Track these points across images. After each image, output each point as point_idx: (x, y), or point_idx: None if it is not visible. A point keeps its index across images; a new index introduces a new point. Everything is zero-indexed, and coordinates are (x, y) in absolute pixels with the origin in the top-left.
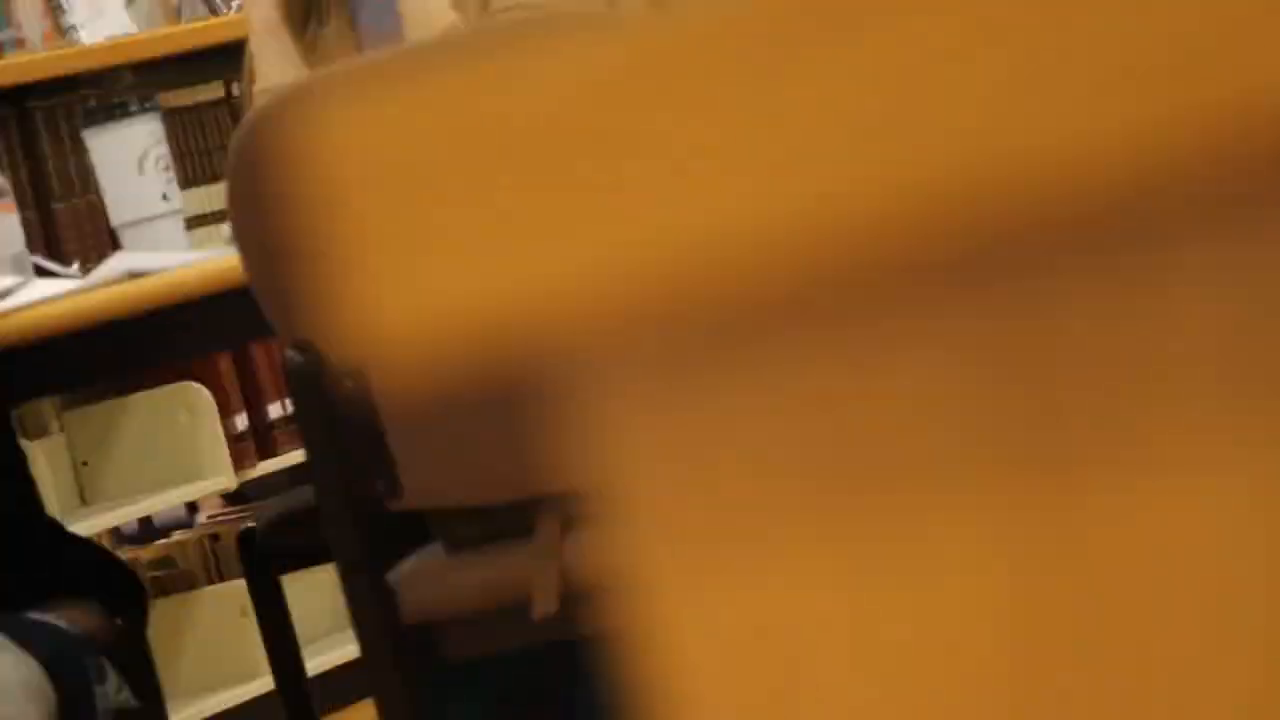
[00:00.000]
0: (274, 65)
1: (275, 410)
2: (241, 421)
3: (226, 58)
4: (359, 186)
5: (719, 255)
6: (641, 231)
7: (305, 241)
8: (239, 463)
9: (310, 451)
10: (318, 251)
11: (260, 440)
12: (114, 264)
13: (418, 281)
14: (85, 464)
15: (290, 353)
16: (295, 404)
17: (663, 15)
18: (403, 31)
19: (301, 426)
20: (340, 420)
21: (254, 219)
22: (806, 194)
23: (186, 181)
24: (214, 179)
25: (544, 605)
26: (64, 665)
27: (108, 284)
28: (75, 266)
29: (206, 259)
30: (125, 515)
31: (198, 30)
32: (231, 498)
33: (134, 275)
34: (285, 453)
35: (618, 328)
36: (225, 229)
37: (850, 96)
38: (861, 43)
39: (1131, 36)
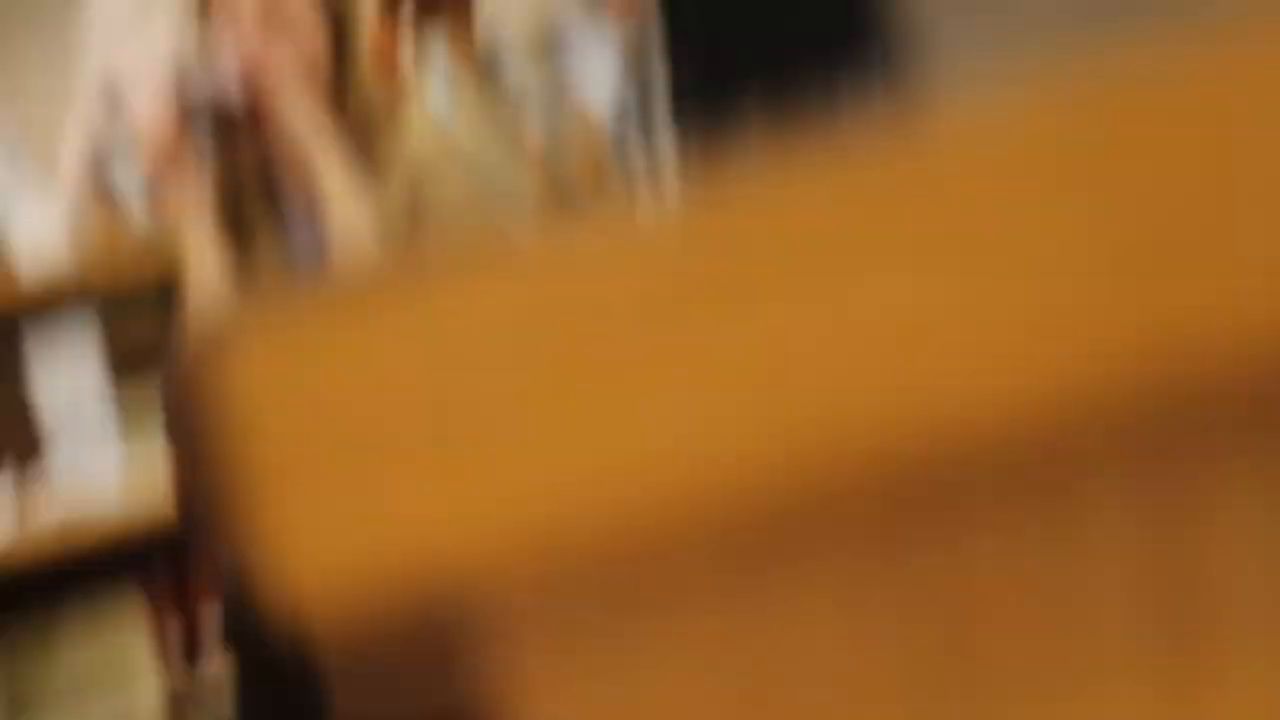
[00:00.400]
0: (209, 294)
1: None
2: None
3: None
4: (283, 422)
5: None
6: (529, 482)
7: (229, 478)
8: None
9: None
10: (241, 489)
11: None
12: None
13: (339, 520)
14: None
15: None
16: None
17: (588, 255)
18: (327, 254)
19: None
20: (275, 665)
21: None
22: (716, 447)
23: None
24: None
25: None
26: None
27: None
28: None
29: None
30: None
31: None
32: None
33: None
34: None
35: (533, 575)
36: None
37: (764, 345)
38: (774, 297)
39: (1045, 280)
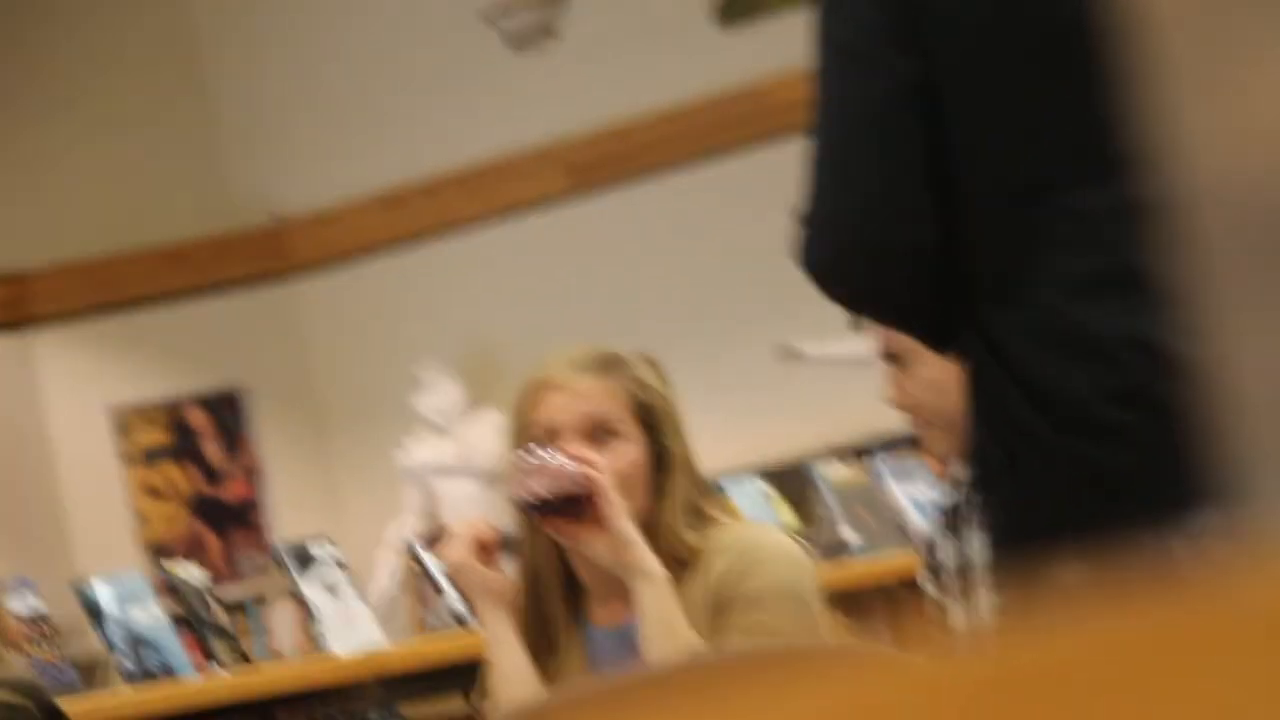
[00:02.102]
0: (512, 683)
1: None
2: None
3: (469, 672)
4: None
5: None
6: None
7: None
8: None
9: None
10: None
11: None
12: None
13: None
14: None
15: None
16: None
17: (929, 660)
18: (639, 657)
19: None
20: None
21: None
22: None
23: None
24: None
25: None
26: None
27: None
28: None
29: None
30: None
31: (443, 644)
32: None
33: None
34: None
35: None
36: None
37: None
38: None
39: None
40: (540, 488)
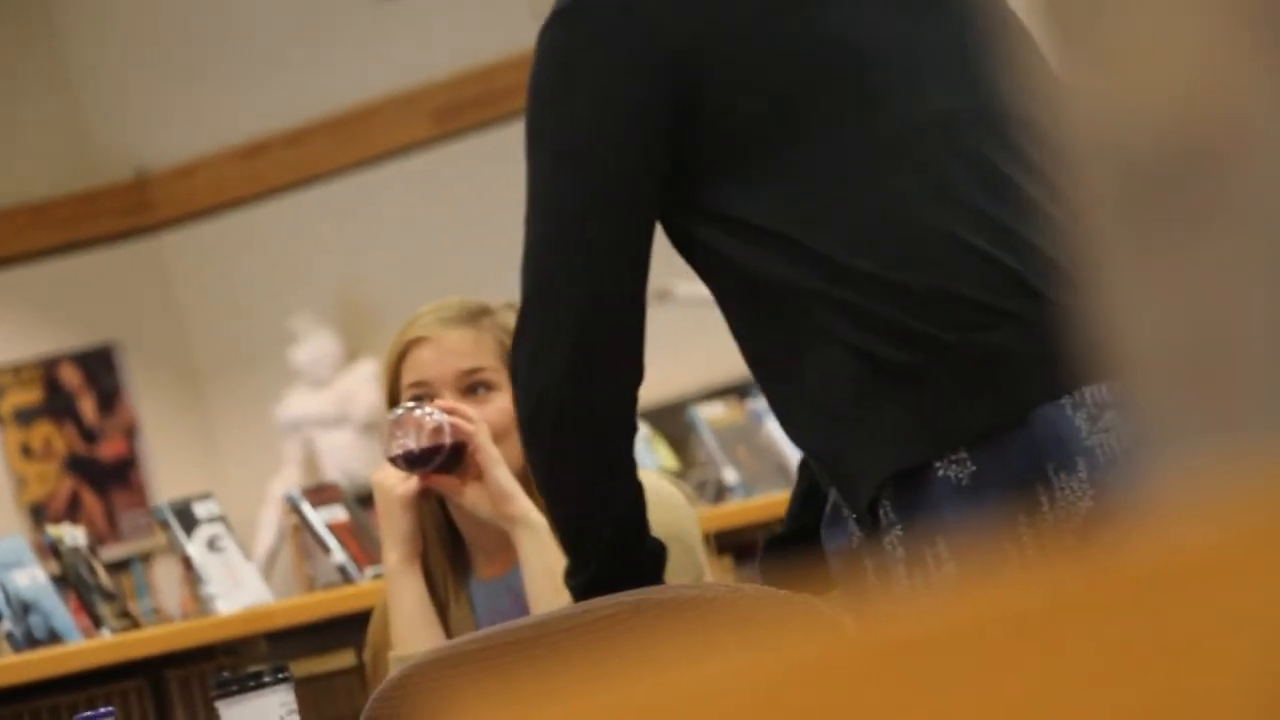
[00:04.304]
0: (415, 636)
1: None
2: None
3: (359, 626)
4: None
5: None
6: None
7: None
8: None
9: None
10: None
11: None
12: None
13: None
14: None
15: None
16: None
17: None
18: (525, 608)
19: None
20: None
21: None
22: None
23: None
24: None
25: None
26: None
27: None
28: None
29: None
30: None
31: (332, 599)
32: None
33: None
34: None
35: None
36: None
37: None
38: None
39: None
40: (413, 442)
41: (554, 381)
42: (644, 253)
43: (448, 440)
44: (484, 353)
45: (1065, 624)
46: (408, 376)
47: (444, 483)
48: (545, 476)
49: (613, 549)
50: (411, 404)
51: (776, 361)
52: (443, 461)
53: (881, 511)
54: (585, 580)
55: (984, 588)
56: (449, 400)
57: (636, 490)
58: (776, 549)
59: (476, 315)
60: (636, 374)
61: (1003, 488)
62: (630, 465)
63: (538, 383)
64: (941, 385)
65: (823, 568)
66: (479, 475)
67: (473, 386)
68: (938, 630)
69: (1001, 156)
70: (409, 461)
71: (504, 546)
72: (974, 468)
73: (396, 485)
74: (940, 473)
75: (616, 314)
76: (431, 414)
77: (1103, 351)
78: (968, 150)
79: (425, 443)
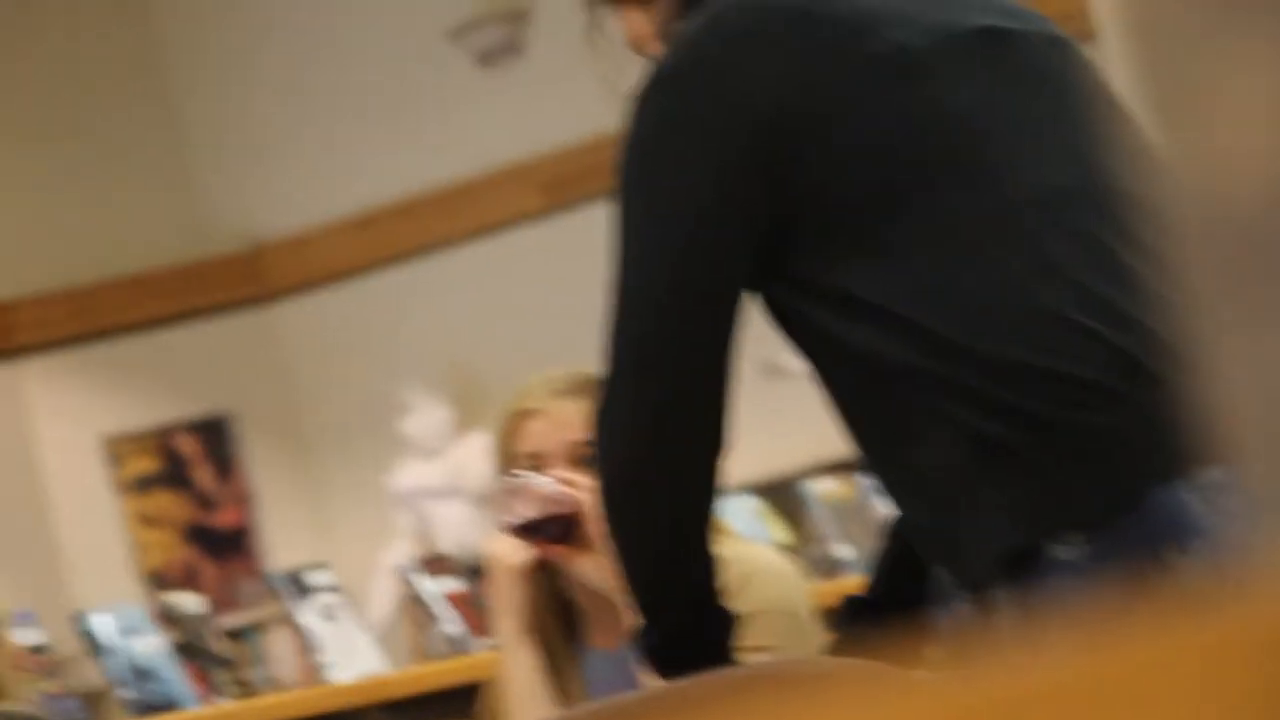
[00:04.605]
0: (527, 708)
1: None
2: None
3: (472, 697)
4: None
5: None
6: None
7: None
8: None
9: None
10: None
11: None
12: None
13: None
14: None
15: None
16: None
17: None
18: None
19: None
20: None
21: None
22: None
23: None
24: None
25: None
26: None
27: None
28: None
29: None
30: None
31: (445, 670)
32: None
33: None
34: None
35: None
36: None
37: None
38: None
39: None
40: (527, 511)
41: (638, 451)
42: (733, 323)
43: (561, 509)
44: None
45: (1175, 688)
46: (519, 448)
47: (558, 552)
48: (623, 540)
49: (686, 615)
50: (525, 473)
51: (882, 439)
52: (557, 531)
53: (994, 592)
54: (655, 643)
55: (1089, 653)
56: (561, 471)
57: (712, 558)
58: (855, 612)
59: (587, 387)
60: (721, 444)
61: (1117, 570)
62: (707, 534)
63: (620, 452)
64: (1054, 466)
65: (907, 638)
66: (592, 545)
67: (584, 458)
68: (1048, 692)
69: (1109, 234)
70: (523, 530)
71: (618, 617)
72: (1088, 549)
73: (511, 555)
74: (1053, 554)
75: (704, 384)
76: (545, 483)
77: (1213, 432)
78: (1076, 227)
79: (539, 511)
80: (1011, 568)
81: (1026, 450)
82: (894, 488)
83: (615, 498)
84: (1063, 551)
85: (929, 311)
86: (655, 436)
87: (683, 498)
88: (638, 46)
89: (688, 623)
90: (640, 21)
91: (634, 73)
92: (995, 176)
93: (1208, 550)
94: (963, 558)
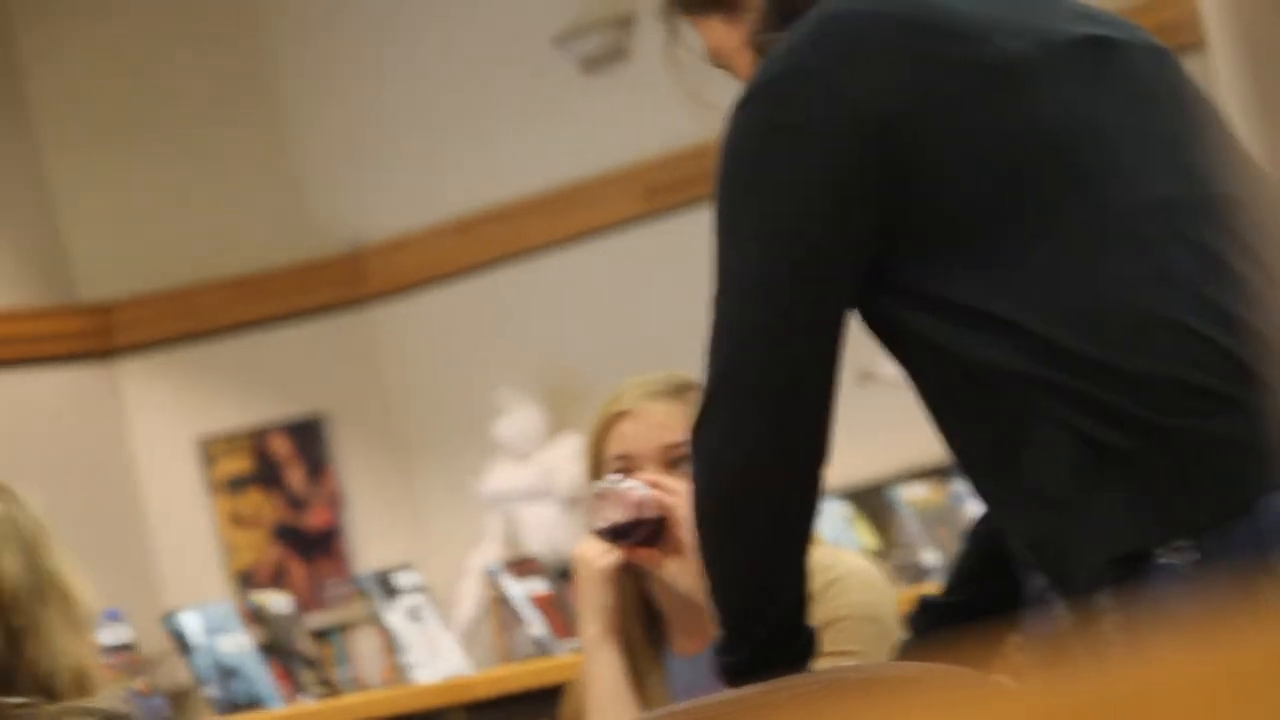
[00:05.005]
0: (609, 710)
1: None
2: None
3: (555, 699)
4: None
5: None
6: None
7: None
8: None
9: None
10: None
11: None
12: None
13: None
14: None
15: None
16: None
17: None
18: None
19: None
20: None
21: None
22: None
23: None
24: None
25: None
26: None
27: None
28: None
29: None
30: None
31: (529, 671)
32: None
33: None
34: None
35: None
36: None
37: None
38: None
39: None
40: (617, 515)
41: (742, 463)
42: (840, 333)
43: (650, 514)
44: (688, 427)
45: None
46: (611, 449)
47: (645, 556)
48: (717, 556)
49: (772, 634)
50: (616, 477)
51: (987, 447)
52: (645, 535)
53: (1101, 597)
54: (738, 661)
55: (1200, 652)
56: (652, 474)
57: (804, 575)
58: (930, 614)
59: (681, 390)
60: (824, 456)
61: (1226, 577)
62: (804, 551)
63: (723, 467)
64: (1164, 472)
65: (985, 642)
66: (680, 550)
67: (676, 461)
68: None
69: (1220, 242)
70: (612, 534)
71: (703, 622)
72: (1197, 556)
73: (597, 558)
74: (1162, 560)
75: (810, 396)
76: (635, 487)
77: None
78: (1187, 235)
79: (628, 516)
80: (1119, 574)
81: (1138, 456)
82: (998, 496)
83: (713, 517)
84: (1171, 556)
85: (1041, 317)
86: (758, 458)
87: (782, 520)
88: (719, 58)
89: (773, 645)
90: (723, 33)
91: (718, 84)
92: (1105, 184)
93: None
94: (1070, 564)
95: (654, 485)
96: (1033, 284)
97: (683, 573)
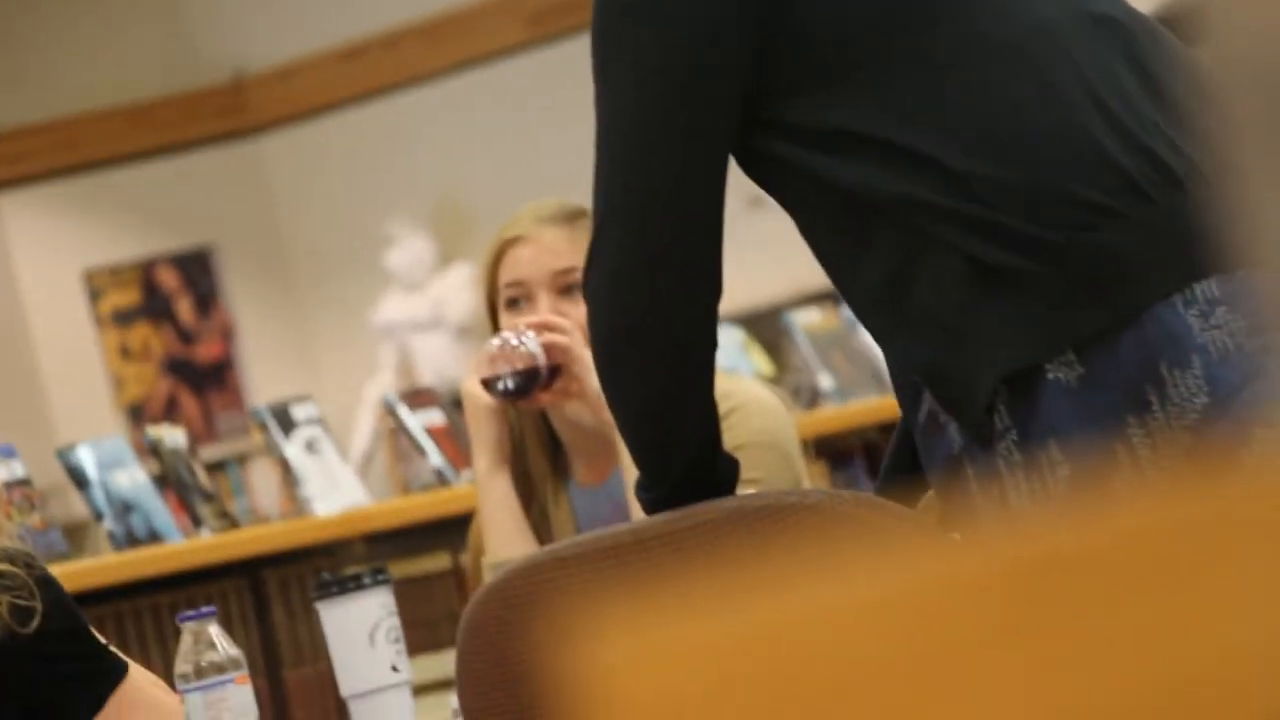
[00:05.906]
0: (506, 541)
1: None
2: None
3: (454, 529)
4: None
5: None
6: None
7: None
8: None
9: None
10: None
11: None
12: None
13: None
14: None
15: None
16: None
17: (939, 548)
18: (625, 513)
19: None
20: None
21: (484, 691)
22: None
23: (411, 651)
24: (438, 648)
25: None
26: None
27: None
28: None
29: None
30: None
31: (428, 502)
32: None
33: None
34: None
35: None
36: (452, 699)
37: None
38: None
39: None
40: (510, 378)
41: (633, 302)
42: (724, 168)
43: (543, 364)
44: (580, 253)
45: (1190, 541)
46: (504, 275)
47: (546, 400)
48: (621, 396)
49: (688, 466)
50: (504, 336)
51: (875, 280)
52: (544, 383)
53: (995, 418)
54: (658, 496)
55: (1104, 505)
56: (543, 304)
57: (712, 407)
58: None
59: (574, 216)
60: (716, 291)
61: (1115, 388)
62: (708, 383)
63: (616, 303)
64: (1051, 287)
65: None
66: (580, 389)
67: (568, 286)
68: (1063, 550)
69: (1105, 57)
70: (508, 395)
71: (604, 453)
72: (1083, 369)
73: (484, 393)
74: (1050, 375)
75: (697, 232)
76: (523, 343)
77: (1219, 246)
78: (1077, 55)
79: (521, 368)
80: (1011, 393)
81: (1026, 273)
82: (889, 330)
83: (612, 358)
84: (1058, 371)
85: (928, 139)
86: (649, 288)
87: (682, 344)
88: None
89: (692, 477)
90: None
91: None
92: (983, 11)
93: (1204, 365)
94: (961, 386)
95: (546, 328)
96: (914, 108)
97: (583, 408)
